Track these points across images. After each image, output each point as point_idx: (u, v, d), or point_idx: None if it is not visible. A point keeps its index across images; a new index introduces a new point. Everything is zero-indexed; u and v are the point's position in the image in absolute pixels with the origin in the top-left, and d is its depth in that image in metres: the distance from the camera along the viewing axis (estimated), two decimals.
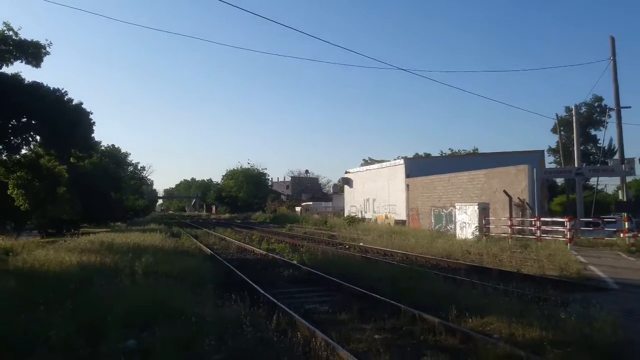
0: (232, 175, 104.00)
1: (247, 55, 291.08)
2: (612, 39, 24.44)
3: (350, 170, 54.04)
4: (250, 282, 12.78)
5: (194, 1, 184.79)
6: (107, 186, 43.65)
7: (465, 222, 24.81)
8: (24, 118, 25.28)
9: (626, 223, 20.05)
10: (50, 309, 8.00)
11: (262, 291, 11.29)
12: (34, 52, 23.90)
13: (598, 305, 8.19)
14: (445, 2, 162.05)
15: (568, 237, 19.62)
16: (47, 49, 24.30)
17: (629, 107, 24.58)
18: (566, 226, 19.93)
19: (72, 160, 32.06)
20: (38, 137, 26.57)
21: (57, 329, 6.82)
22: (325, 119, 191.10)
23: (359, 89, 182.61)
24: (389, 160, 50.26)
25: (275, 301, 10.15)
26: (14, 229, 35.31)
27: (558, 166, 47.83)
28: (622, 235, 19.75)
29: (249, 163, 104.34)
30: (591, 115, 55.25)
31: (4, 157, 26.83)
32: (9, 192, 28.08)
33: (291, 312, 9.15)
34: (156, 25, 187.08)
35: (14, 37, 23.44)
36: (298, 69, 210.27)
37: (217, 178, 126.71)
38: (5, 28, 23.23)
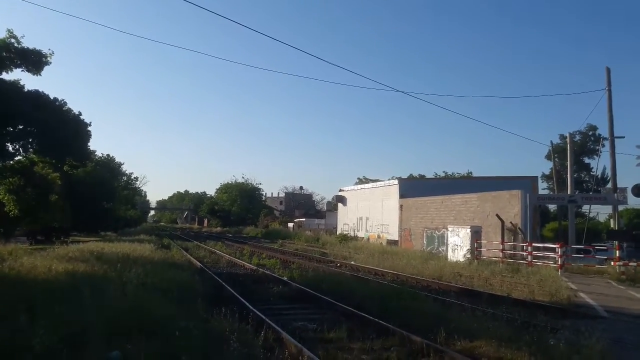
0: (225, 189, 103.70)
1: (246, 70, 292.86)
2: (608, 70, 24.79)
3: (345, 189, 54.08)
4: (239, 297, 12.68)
5: (195, 15, 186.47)
6: (100, 195, 43.43)
7: (457, 245, 24.81)
8: (21, 125, 25.28)
9: (617, 251, 20.11)
10: (35, 317, 7.88)
11: (250, 307, 11.19)
12: (35, 60, 24.03)
13: (587, 333, 8.18)
14: (442, 24, 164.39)
15: (559, 263, 19.66)
16: (49, 58, 24.41)
17: (623, 137, 24.91)
18: (557, 252, 19.98)
19: (65, 168, 31.99)
20: (35, 145, 26.57)
21: (41, 338, 6.71)
22: (321, 137, 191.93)
23: (356, 109, 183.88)
24: (383, 180, 50.42)
25: (264, 317, 10.07)
26: (2, 235, 34.95)
27: (551, 193, 48.10)
28: (612, 263, 19.80)
29: (243, 177, 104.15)
30: (585, 144, 55.77)
31: None
32: None
33: (279, 328, 9.07)
34: (156, 37, 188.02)
35: (16, 44, 23.55)
36: (296, 87, 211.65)
37: (211, 191, 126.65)
38: (8, 35, 23.35)
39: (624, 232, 24.05)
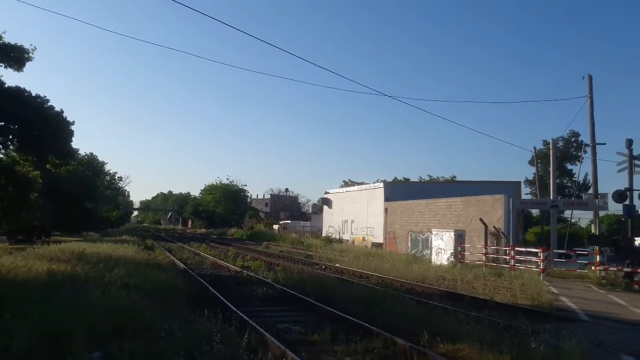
0: (210, 190, 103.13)
1: (231, 71, 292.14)
2: (590, 78, 25.18)
3: (330, 191, 54.12)
4: (223, 299, 12.62)
5: (181, 16, 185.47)
6: (82, 195, 42.81)
7: (441, 248, 24.96)
8: (1, 122, 24.82)
9: (598, 256, 20.40)
10: (15, 318, 7.74)
11: (234, 308, 11.14)
12: (16, 57, 23.56)
13: (568, 336, 8.26)
14: (430, 31, 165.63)
15: (541, 267, 19.88)
16: (31, 54, 23.98)
17: (604, 143, 25.35)
18: (540, 257, 20.21)
19: (48, 166, 31.50)
20: (15, 142, 26.09)
21: (20, 338, 6.59)
22: (307, 139, 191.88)
23: (342, 112, 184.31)
24: (369, 183, 50.57)
25: (247, 319, 10.02)
26: None
27: (534, 197, 48.63)
28: (593, 268, 20.07)
29: (228, 179, 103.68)
30: (568, 150, 56.49)
31: None
32: None
33: (263, 330, 9.03)
34: (142, 36, 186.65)
35: None
36: (283, 89, 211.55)
37: (195, 192, 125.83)
38: None
39: (605, 237, 24.42)
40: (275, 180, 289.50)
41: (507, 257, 22.32)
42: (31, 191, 29.42)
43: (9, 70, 23.99)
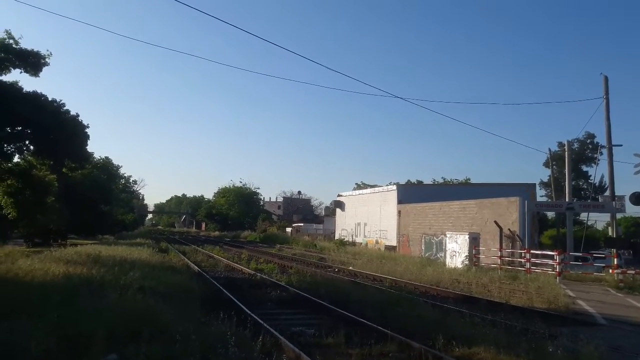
0: (223, 193, 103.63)
1: (244, 75, 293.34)
2: (606, 78, 24.85)
3: (343, 194, 54.07)
4: (237, 302, 12.65)
5: (193, 19, 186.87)
6: (97, 198, 43.29)
7: (456, 251, 24.80)
8: (19, 126, 25.24)
9: (615, 259, 20.12)
10: (32, 320, 7.84)
11: (248, 311, 11.17)
12: (33, 62, 24.01)
13: (585, 340, 8.17)
14: (441, 32, 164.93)
15: (557, 270, 19.66)
16: (47, 59, 24.41)
17: (620, 145, 25.03)
18: (556, 260, 19.99)
19: (64, 170, 31.96)
20: (32, 146, 26.52)
21: (38, 340, 6.68)
22: (319, 142, 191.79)
23: (354, 114, 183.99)
24: (382, 186, 50.42)
25: (262, 322, 10.03)
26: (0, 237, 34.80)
27: (549, 200, 48.14)
28: (610, 271, 19.81)
29: (241, 182, 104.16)
30: (583, 152, 55.85)
31: None
32: None
33: (277, 333, 9.04)
34: (147, 38, 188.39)
35: (14, 45, 23.55)
36: (294, 92, 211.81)
37: (209, 195, 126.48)
38: (6, 36, 23.36)
39: (622, 240, 24.09)
40: (288, 183, 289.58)
41: (522, 260, 22.11)
42: (48, 195, 29.88)
43: (24, 75, 24.48)
